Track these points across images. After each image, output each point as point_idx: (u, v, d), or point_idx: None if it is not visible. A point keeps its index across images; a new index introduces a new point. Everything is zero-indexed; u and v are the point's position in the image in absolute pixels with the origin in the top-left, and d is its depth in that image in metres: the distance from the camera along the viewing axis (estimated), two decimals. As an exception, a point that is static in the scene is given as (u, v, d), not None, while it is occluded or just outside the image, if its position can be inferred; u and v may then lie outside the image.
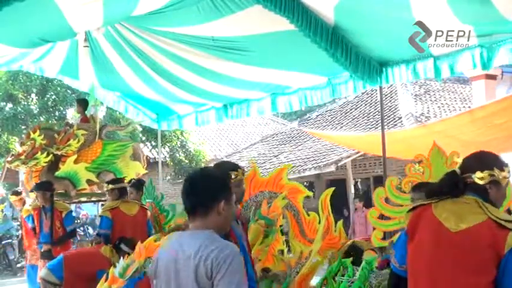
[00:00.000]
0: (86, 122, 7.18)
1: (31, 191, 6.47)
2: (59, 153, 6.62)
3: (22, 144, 6.65)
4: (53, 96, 17.62)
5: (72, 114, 7.85)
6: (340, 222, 4.44)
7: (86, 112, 7.31)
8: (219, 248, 2.06)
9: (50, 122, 15.26)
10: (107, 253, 5.12)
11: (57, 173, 6.56)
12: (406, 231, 2.38)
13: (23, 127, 16.35)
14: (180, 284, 2.10)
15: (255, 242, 4.01)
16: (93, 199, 7.46)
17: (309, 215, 4.39)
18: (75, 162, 6.62)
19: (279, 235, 4.30)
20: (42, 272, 5.16)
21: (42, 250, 6.17)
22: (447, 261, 2.18)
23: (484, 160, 2.32)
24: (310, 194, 4.59)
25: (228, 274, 2.00)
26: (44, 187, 6.16)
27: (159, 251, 2.29)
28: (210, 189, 2.22)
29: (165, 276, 2.17)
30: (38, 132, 6.54)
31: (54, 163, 6.65)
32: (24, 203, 7.30)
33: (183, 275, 2.08)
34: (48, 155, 6.51)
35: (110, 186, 5.92)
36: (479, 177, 2.24)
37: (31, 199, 6.83)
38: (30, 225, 6.69)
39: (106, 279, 4.00)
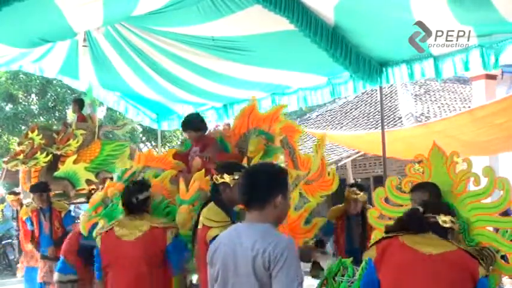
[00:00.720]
0: (82, 121, 7.15)
1: (31, 191, 6.45)
2: (58, 153, 6.60)
3: (20, 144, 6.62)
4: (53, 97, 17.63)
5: (69, 115, 7.82)
6: (333, 168, 4.47)
7: (82, 111, 7.28)
8: (275, 242, 2.15)
9: (50, 122, 15.28)
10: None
11: (56, 173, 6.54)
12: (373, 262, 2.51)
13: (23, 127, 16.37)
14: (238, 273, 2.20)
15: (254, 155, 3.98)
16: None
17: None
18: (75, 162, 6.60)
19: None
20: (54, 277, 5.10)
21: (47, 254, 6.07)
22: (424, 282, 2.33)
23: (448, 206, 2.68)
24: (304, 131, 4.57)
25: (286, 266, 2.10)
26: (40, 188, 6.09)
27: (217, 241, 2.36)
28: (268, 183, 2.28)
29: (222, 265, 2.27)
30: (36, 132, 6.51)
31: (53, 163, 6.63)
32: (21, 204, 7.27)
33: (241, 265, 2.19)
34: (47, 155, 6.49)
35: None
36: (443, 220, 2.51)
37: (29, 200, 6.82)
38: (29, 227, 6.66)
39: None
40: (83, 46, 6.48)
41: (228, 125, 4.68)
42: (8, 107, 18.11)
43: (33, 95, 18.42)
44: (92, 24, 5.61)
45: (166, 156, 4.23)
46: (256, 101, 4.39)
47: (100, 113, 21.42)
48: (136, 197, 3.60)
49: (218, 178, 3.30)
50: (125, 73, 7.00)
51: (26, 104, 18.33)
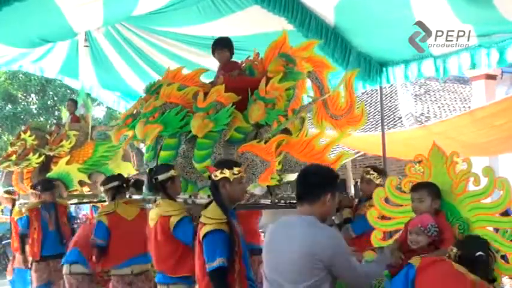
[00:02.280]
0: (76, 121, 7.12)
1: (43, 189, 6.42)
2: (51, 154, 6.54)
3: (12, 144, 6.59)
4: (53, 97, 17.60)
5: (62, 114, 7.72)
6: (363, 102, 4.51)
7: (75, 112, 7.25)
8: (322, 231, 2.51)
9: (50, 121, 15.25)
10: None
11: (49, 174, 6.47)
12: (415, 268, 2.63)
13: (22, 127, 16.40)
14: (286, 260, 2.52)
15: (273, 75, 3.94)
16: (85, 200, 7.32)
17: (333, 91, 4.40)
18: (67, 163, 6.56)
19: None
20: (72, 268, 5.03)
21: (51, 253, 6.00)
22: None
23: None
24: (337, 68, 4.54)
25: (339, 250, 2.49)
26: (51, 185, 6.09)
27: (271, 228, 2.72)
28: (321, 181, 2.62)
29: (273, 252, 2.61)
30: (28, 133, 6.48)
31: (46, 164, 6.58)
32: (14, 204, 7.23)
33: (289, 250, 2.50)
34: (40, 155, 6.45)
35: (103, 187, 5.17)
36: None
37: (23, 200, 6.79)
38: (21, 228, 6.63)
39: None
40: (84, 46, 6.47)
41: (257, 54, 4.57)
42: (8, 107, 18.11)
43: (32, 95, 18.42)
44: (92, 24, 5.62)
45: (195, 76, 4.18)
46: (286, 33, 4.28)
47: (100, 112, 21.43)
48: (155, 178, 3.77)
49: (218, 174, 3.29)
50: (125, 73, 7.00)
51: (26, 103, 18.32)
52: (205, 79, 4.37)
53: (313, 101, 4.23)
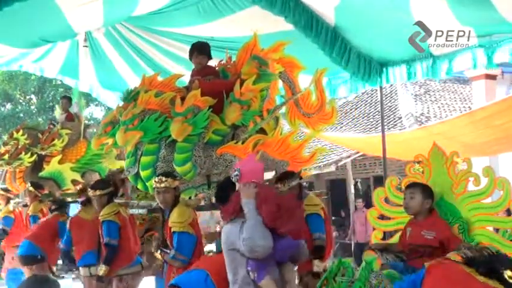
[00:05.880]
0: (70, 119, 7.09)
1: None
2: (43, 153, 6.53)
3: (5, 144, 6.59)
4: (51, 96, 17.59)
5: (56, 113, 7.69)
6: (333, 100, 4.67)
7: (69, 109, 7.23)
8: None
9: (48, 121, 15.23)
10: None
11: (41, 174, 6.48)
12: (425, 269, 2.49)
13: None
14: None
15: (247, 77, 4.03)
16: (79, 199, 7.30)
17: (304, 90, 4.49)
18: (60, 162, 6.54)
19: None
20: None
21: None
22: None
23: None
24: (306, 68, 4.61)
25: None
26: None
27: None
28: (230, 186, 2.95)
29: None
30: (21, 132, 6.47)
31: (38, 163, 6.57)
32: (7, 202, 7.23)
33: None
34: (32, 155, 6.44)
35: (99, 192, 4.81)
36: (509, 275, 2.33)
37: (18, 200, 6.80)
38: (3, 226, 6.63)
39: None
40: (84, 46, 6.47)
41: (230, 57, 4.65)
42: (7, 108, 18.11)
43: (32, 95, 18.42)
44: (92, 24, 5.62)
45: (171, 81, 4.22)
46: (257, 36, 4.35)
47: (100, 112, 21.41)
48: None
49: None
50: (125, 73, 7.00)
51: (24, 103, 18.32)
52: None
53: (288, 100, 4.32)
